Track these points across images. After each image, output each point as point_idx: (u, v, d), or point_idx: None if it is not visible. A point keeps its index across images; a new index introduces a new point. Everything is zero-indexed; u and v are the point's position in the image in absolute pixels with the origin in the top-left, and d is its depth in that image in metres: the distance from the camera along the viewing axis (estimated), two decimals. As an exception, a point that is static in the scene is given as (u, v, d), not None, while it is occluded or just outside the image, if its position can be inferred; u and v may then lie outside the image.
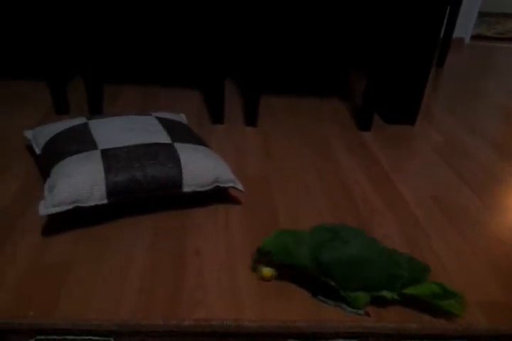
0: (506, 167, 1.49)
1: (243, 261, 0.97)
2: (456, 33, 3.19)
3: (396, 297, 0.85)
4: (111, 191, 1.02)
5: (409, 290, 0.84)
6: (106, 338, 0.77)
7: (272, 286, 0.90)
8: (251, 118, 1.62)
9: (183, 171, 1.09)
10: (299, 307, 0.86)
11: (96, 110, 1.60)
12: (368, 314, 0.85)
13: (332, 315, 0.84)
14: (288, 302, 0.87)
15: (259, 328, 0.80)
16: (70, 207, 0.98)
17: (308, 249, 0.85)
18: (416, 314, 0.86)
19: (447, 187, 1.34)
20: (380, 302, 0.87)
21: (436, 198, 1.27)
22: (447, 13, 2.45)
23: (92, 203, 1.00)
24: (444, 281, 0.91)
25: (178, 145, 1.14)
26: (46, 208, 0.97)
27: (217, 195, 1.18)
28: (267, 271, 0.91)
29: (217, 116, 1.62)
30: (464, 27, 3.28)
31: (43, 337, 0.76)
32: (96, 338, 0.77)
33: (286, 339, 0.78)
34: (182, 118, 1.44)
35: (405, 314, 0.86)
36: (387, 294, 0.85)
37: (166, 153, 1.11)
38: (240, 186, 1.16)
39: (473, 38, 3.48)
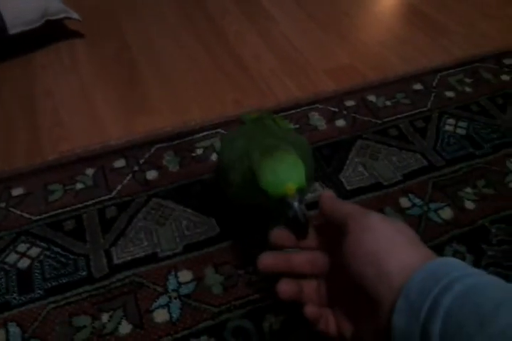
0: None
1: (100, 92, 0.93)
2: None
3: None
4: None
5: None
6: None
7: (135, 106, 0.89)
8: None
9: (2, 11, 0.96)
10: (165, 119, 0.86)
11: None
12: None
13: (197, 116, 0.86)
14: (153, 116, 0.87)
15: (126, 143, 0.80)
16: None
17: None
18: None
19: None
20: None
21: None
22: None
23: None
24: (296, 59, 0.94)
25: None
26: None
27: (55, 32, 1.07)
28: None
29: None
30: None
31: None
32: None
33: (153, 145, 0.80)
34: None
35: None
36: None
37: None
38: (75, 15, 1.04)
39: None
